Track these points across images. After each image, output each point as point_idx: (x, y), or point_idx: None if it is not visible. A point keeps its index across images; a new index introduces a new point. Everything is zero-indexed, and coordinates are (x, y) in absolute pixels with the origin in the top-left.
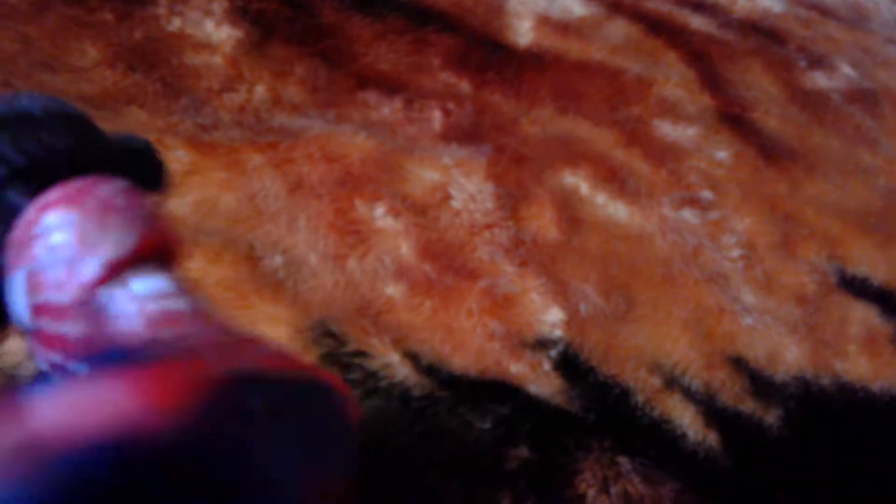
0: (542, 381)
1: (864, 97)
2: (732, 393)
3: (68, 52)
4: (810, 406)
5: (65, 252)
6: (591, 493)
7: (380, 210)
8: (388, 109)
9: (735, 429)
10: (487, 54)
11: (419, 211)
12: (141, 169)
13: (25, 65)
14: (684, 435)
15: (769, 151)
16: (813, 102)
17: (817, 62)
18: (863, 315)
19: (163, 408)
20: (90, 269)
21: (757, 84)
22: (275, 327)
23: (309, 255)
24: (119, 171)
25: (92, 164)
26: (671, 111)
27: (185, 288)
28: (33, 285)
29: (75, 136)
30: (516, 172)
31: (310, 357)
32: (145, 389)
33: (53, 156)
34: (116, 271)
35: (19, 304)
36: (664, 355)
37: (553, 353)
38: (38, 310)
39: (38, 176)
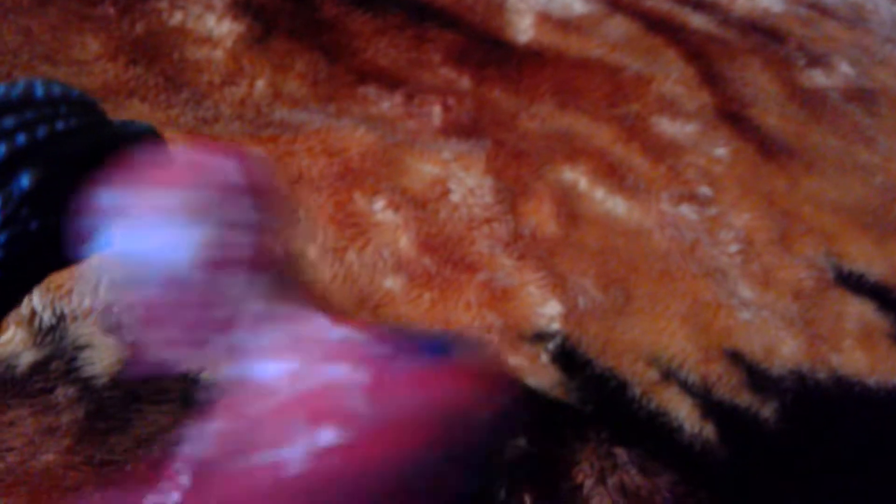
0: (540, 374)
1: (862, 96)
2: (729, 386)
3: (70, 46)
4: (806, 400)
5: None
6: (588, 483)
7: (379, 203)
8: (389, 104)
9: (731, 422)
10: (488, 50)
11: (418, 204)
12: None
13: (27, 57)
14: (681, 427)
15: (768, 148)
16: (811, 100)
17: (816, 60)
18: (859, 310)
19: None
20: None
21: (756, 82)
22: None
23: (308, 247)
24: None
25: (95, 147)
26: (670, 108)
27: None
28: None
29: (79, 119)
30: (515, 167)
31: None
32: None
33: (56, 138)
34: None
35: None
36: (661, 349)
37: (551, 345)
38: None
39: (42, 157)
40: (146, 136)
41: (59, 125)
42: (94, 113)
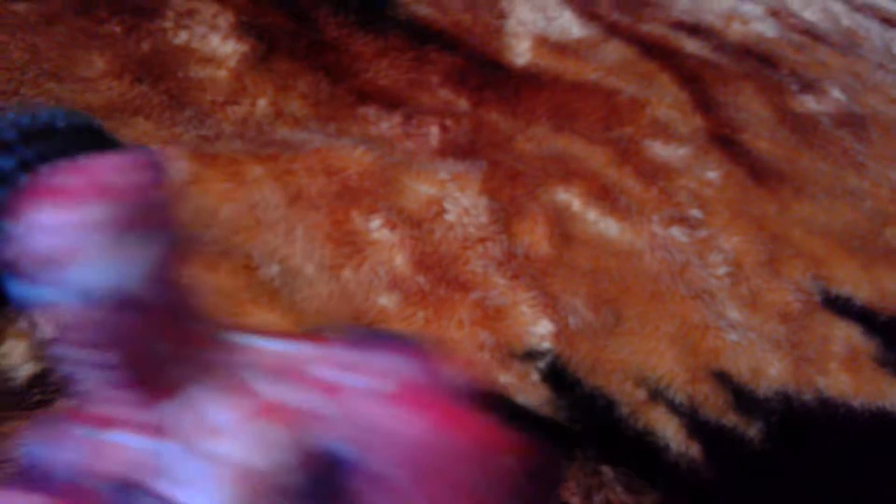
0: (530, 392)
1: (852, 121)
2: (715, 406)
3: (76, 63)
4: (792, 421)
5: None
6: (575, 501)
7: (376, 222)
8: (388, 124)
9: (717, 441)
10: (486, 73)
11: (414, 224)
12: None
13: (34, 74)
14: (667, 446)
15: (758, 172)
16: (802, 125)
17: (808, 86)
18: (845, 333)
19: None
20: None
21: (748, 106)
22: None
23: (305, 264)
24: None
25: None
26: (663, 131)
27: None
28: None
29: (97, 149)
30: (510, 188)
31: None
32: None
33: None
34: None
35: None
36: (650, 369)
37: (542, 364)
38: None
39: None
40: None
41: (79, 156)
42: (112, 143)
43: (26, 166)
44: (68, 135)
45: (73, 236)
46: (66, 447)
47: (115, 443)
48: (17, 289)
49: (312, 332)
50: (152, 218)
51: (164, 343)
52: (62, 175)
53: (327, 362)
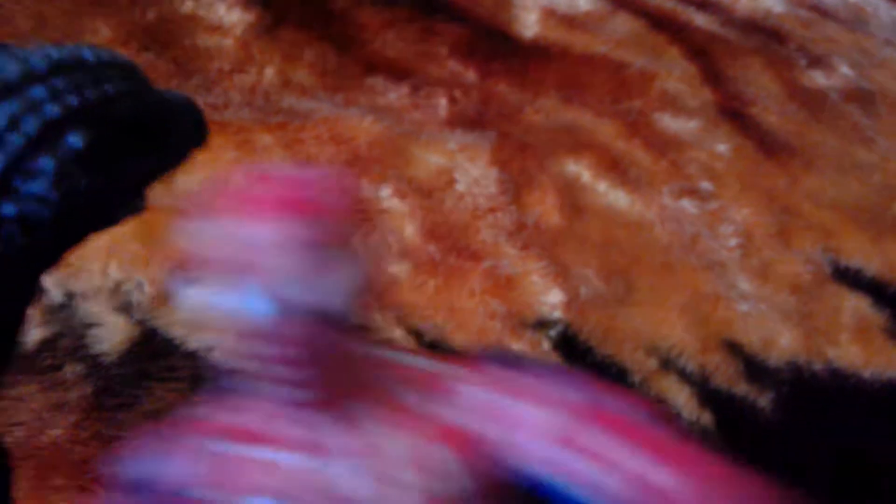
0: (542, 360)
1: (861, 96)
2: (727, 376)
3: (82, 31)
4: (802, 390)
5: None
6: None
7: (386, 191)
8: (395, 95)
9: (728, 410)
10: (494, 44)
11: (424, 193)
12: (185, 121)
13: (40, 42)
14: (679, 414)
15: (768, 146)
16: (811, 100)
17: (816, 61)
18: (855, 305)
19: None
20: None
21: (757, 81)
22: None
23: None
24: (166, 121)
25: (141, 111)
26: (672, 104)
27: None
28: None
29: (125, 83)
30: (520, 159)
31: None
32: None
33: (106, 100)
34: None
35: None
36: (661, 338)
37: (553, 333)
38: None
39: (92, 118)
40: (185, 105)
41: (108, 88)
42: (139, 78)
43: (57, 96)
44: (97, 67)
45: (267, 247)
46: (183, 460)
47: (255, 459)
48: (203, 293)
49: (457, 354)
50: (339, 237)
51: (333, 361)
52: (254, 183)
53: (484, 385)
